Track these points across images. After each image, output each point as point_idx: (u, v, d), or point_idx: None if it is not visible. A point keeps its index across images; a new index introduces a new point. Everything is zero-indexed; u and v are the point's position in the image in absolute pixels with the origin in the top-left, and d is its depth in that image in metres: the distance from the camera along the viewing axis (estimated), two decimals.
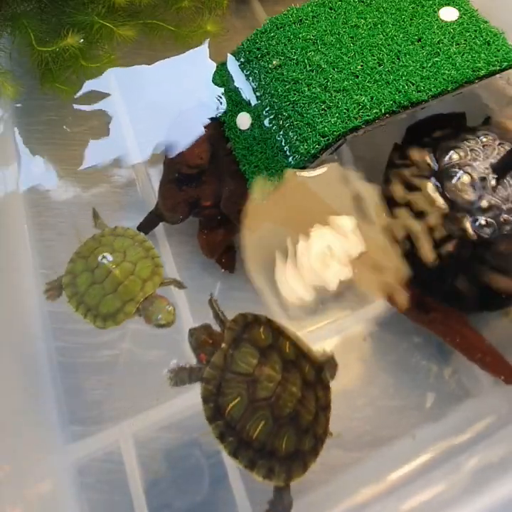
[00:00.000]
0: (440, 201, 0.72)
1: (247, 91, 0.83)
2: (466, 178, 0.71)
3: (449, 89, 0.74)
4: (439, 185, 0.73)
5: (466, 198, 0.71)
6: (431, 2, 0.82)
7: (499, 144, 0.74)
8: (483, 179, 0.71)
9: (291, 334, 0.66)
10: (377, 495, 0.68)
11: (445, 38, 0.78)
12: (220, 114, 0.85)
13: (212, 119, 0.86)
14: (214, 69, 0.88)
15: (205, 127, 0.85)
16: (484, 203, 0.69)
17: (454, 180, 0.72)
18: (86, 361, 0.79)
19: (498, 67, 0.75)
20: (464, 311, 0.75)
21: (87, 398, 0.77)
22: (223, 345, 0.63)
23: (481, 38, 0.77)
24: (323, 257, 0.74)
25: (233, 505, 0.69)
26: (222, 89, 0.86)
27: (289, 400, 0.60)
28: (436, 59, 0.76)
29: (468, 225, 0.70)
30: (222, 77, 0.87)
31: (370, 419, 0.74)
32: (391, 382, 0.72)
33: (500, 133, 0.76)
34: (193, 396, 0.75)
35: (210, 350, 0.64)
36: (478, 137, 0.75)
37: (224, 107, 0.85)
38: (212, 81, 0.87)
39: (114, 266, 0.72)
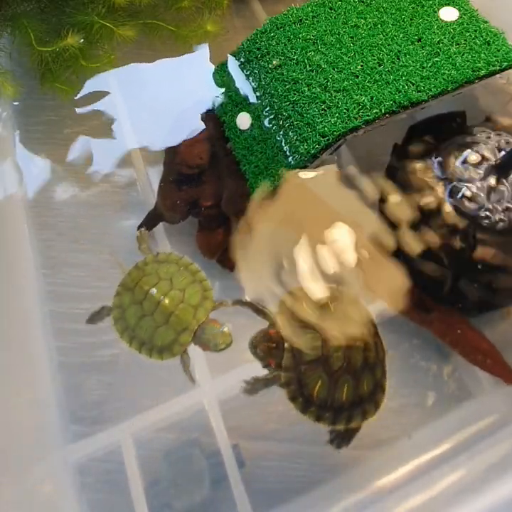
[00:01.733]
0: (441, 201, 0.72)
1: (247, 91, 0.83)
2: (466, 178, 0.71)
3: (449, 89, 0.74)
4: (439, 185, 0.73)
5: (469, 197, 0.71)
6: (431, 2, 0.82)
7: (499, 144, 0.74)
8: (486, 178, 0.71)
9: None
10: (377, 495, 0.68)
11: (445, 38, 0.78)
12: (220, 114, 0.85)
13: (212, 118, 0.86)
14: (214, 69, 0.89)
15: (205, 127, 0.85)
16: (488, 203, 0.70)
17: (454, 180, 0.72)
18: (86, 361, 0.79)
19: (498, 67, 0.75)
20: (464, 311, 0.75)
21: (87, 398, 0.77)
22: (286, 345, 0.65)
23: (481, 38, 0.77)
24: (322, 258, 0.74)
25: (233, 505, 0.69)
26: (222, 89, 0.86)
27: (356, 354, 0.66)
28: (436, 59, 0.76)
29: (470, 224, 0.70)
30: (222, 77, 0.87)
31: (370, 420, 0.74)
32: (391, 382, 0.72)
33: (501, 133, 0.76)
34: (192, 396, 0.75)
35: (276, 353, 0.65)
36: (479, 137, 0.75)
37: (224, 107, 0.85)
38: (214, 81, 0.87)
39: (162, 296, 0.69)
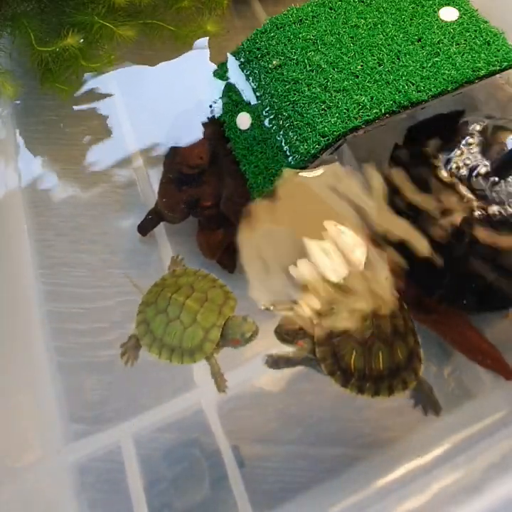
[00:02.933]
0: (442, 201, 0.72)
1: (247, 91, 0.83)
2: (467, 177, 0.71)
3: (449, 89, 0.74)
4: (439, 185, 0.73)
5: (469, 197, 0.71)
6: (431, 2, 0.82)
7: (499, 145, 0.74)
8: (485, 177, 0.71)
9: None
10: (377, 495, 0.68)
11: (445, 38, 0.78)
12: (220, 114, 0.85)
13: (212, 119, 0.86)
14: (214, 69, 0.89)
15: (205, 127, 0.85)
16: (488, 202, 0.70)
17: (454, 180, 0.72)
18: (86, 361, 0.79)
19: (498, 67, 0.75)
20: (465, 311, 0.75)
21: (87, 398, 0.77)
22: (315, 321, 0.66)
23: (481, 38, 0.77)
24: (322, 258, 0.74)
25: (233, 505, 0.69)
26: (221, 90, 0.86)
27: (384, 322, 0.68)
28: (436, 59, 0.76)
29: (471, 223, 0.70)
30: (222, 77, 0.87)
31: (370, 420, 0.74)
32: None
33: (500, 132, 0.76)
34: (192, 396, 0.75)
35: (303, 334, 0.67)
36: (478, 137, 0.75)
37: (224, 107, 0.85)
38: (215, 80, 0.87)
39: (185, 298, 0.69)
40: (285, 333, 0.67)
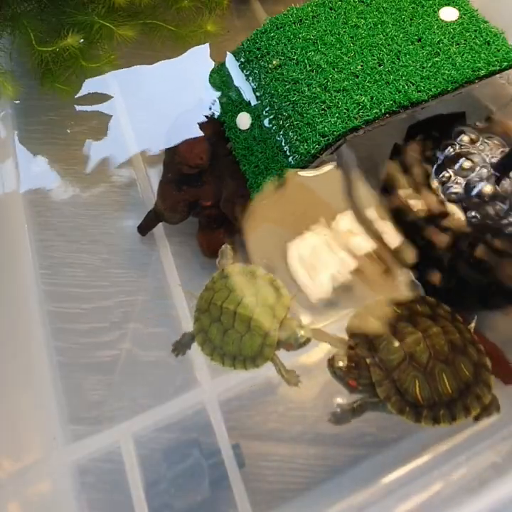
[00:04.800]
0: (442, 200, 0.72)
1: (247, 91, 0.83)
2: (467, 177, 0.71)
3: (449, 89, 0.74)
4: (439, 184, 0.73)
5: (469, 196, 0.71)
6: (431, 2, 0.82)
7: (499, 144, 0.74)
8: (485, 178, 0.71)
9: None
10: (377, 495, 0.68)
11: (445, 38, 0.78)
12: (219, 114, 0.85)
13: (212, 119, 0.86)
14: (211, 69, 0.88)
15: (205, 127, 0.85)
16: (487, 201, 0.70)
17: (455, 180, 0.72)
18: (86, 361, 0.79)
19: (498, 67, 0.75)
20: (466, 310, 0.75)
21: (87, 398, 0.77)
22: (368, 360, 0.64)
23: (481, 38, 0.77)
24: (322, 258, 0.74)
25: (233, 505, 0.69)
26: (221, 90, 0.86)
27: (438, 340, 0.65)
28: (436, 59, 0.76)
29: (471, 222, 0.70)
30: (221, 77, 0.87)
31: (370, 420, 0.74)
32: None
33: (500, 133, 0.76)
34: (192, 396, 0.75)
35: (356, 373, 0.64)
36: (478, 137, 0.75)
37: (223, 107, 0.85)
38: (209, 81, 0.87)
39: (236, 306, 0.68)
40: (338, 369, 0.65)
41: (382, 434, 0.73)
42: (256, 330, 0.67)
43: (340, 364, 0.64)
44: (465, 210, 0.71)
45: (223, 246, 0.76)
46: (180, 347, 0.75)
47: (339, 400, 0.67)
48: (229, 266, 0.74)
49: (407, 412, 0.62)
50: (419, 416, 0.62)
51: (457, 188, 0.71)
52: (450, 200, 0.72)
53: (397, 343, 0.64)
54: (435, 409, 0.63)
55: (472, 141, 0.74)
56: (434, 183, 0.73)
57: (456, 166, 0.73)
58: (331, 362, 0.65)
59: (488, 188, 0.70)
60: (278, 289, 0.70)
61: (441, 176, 0.73)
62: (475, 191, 0.70)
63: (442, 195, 0.72)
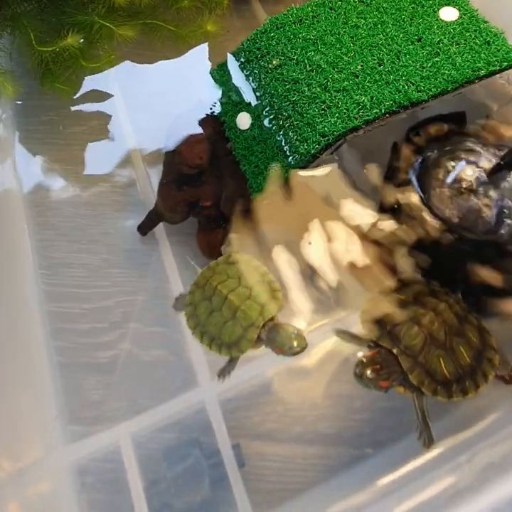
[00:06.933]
0: (442, 201, 0.72)
1: (247, 91, 0.83)
2: (467, 178, 0.71)
3: (449, 89, 0.74)
4: (439, 185, 0.73)
5: (468, 196, 0.71)
6: (431, 2, 0.82)
7: (498, 145, 0.74)
8: (485, 179, 0.71)
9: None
10: (377, 495, 0.68)
11: (445, 38, 0.78)
12: (220, 114, 0.85)
13: (212, 119, 0.86)
14: (211, 69, 0.88)
15: (205, 127, 0.85)
16: (486, 202, 0.70)
17: (455, 180, 0.72)
18: (86, 361, 0.79)
19: (498, 67, 0.75)
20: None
21: (86, 398, 0.77)
22: (394, 350, 0.65)
23: (481, 38, 0.77)
24: (322, 258, 0.74)
25: (233, 505, 0.69)
26: (221, 89, 0.86)
27: (447, 315, 0.67)
28: (436, 59, 0.76)
29: (470, 223, 0.70)
30: (221, 77, 0.87)
31: (370, 420, 0.74)
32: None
33: (498, 135, 0.76)
34: (192, 396, 0.75)
35: (384, 374, 0.64)
36: (477, 138, 0.75)
37: (223, 107, 0.85)
38: (212, 76, 0.87)
39: (229, 291, 0.69)
40: (366, 376, 0.63)
41: (381, 434, 0.73)
42: (240, 320, 0.67)
43: (369, 372, 0.63)
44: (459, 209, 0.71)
45: (231, 234, 0.77)
46: (180, 306, 0.76)
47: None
48: (237, 254, 0.75)
49: (439, 391, 0.64)
50: (450, 392, 0.64)
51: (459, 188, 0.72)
52: (451, 200, 0.72)
53: (415, 327, 0.66)
54: (461, 381, 0.65)
55: (472, 148, 0.74)
56: (436, 182, 0.73)
57: (457, 167, 0.73)
58: (360, 370, 0.64)
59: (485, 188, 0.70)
60: (274, 291, 0.70)
61: (441, 173, 0.73)
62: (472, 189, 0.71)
63: (443, 194, 0.72)
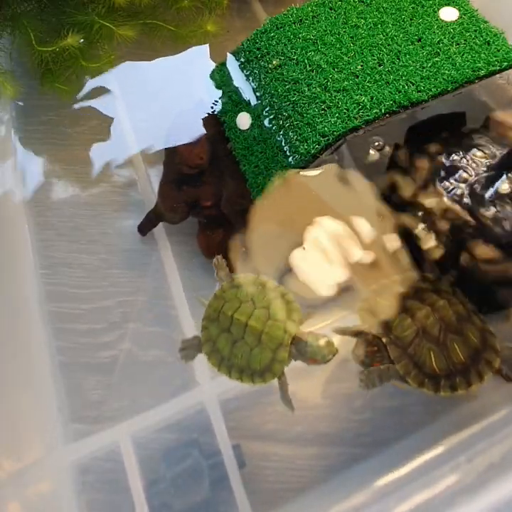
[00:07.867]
0: (442, 200, 0.72)
1: (247, 91, 0.83)
2: (467, 178, 0.72)
3: (449, 89, 0.74)
4: (439, 185, 0.73)
5: (468, 197, 0.71)
6: (431, 2, 0.82)
7: (497, 146, 0.74)
8: (485, 180, 0.71)
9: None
10: (377, 495, 0.68)
11: (445, 38, 0.78)
12: (220, 114, 0.85)
13: (212, 119, 0.86)
14: (212, 69, 0.88)
15: (205, 127, 0.85)
16: (486, 202, 0.70)
17: (455, 180, 0.72)
18: (86, 361, 0.79)
19: (498, 67, 0.75)
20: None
21: (87, 398, 0.77)
22: (384, 339, 0.66)
23: (481, 38, 0.77)
24: (322, 258, 0.74)
25: (233, 505, 0.69)
26: (221, 89, 0.86)
27: (446, 312, 0.67)
28: (436, 59, 0.76)
29: (470, 222, 0.70)
30: (221, 77, 0.87)
31: (370, 420, 0.74)
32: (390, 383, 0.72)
33: (499, 135, 0.76)
34: (192, 396, 0.75)
35: (379, 356, 0.66)
36: (477, 138, 0.75)
37: (223, 107, 0.85)
38: (211, 79, 0.87)
39: (248, 317, 0.66)
40: (363, 357, 0.66)
41: (381, 434, 0.73)
42: (267, 344, 0.65)
43: (361, 351, 0.66)
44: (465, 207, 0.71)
45: (214, 259, 0.75)
46: (190, 352, 0.73)
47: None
48: (240, 275, 0.73)
49: (426, 383, 0.65)
50: (438, 386, 0.65)
51: (460, 189, 0.72)
52: (453, 200, 0.72)
53: (409, 320, 0.67)
54: (452, 377, 0.65)
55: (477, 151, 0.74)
56: (437, 184, 0.73)
57: (459, 170, 0.73)
58: (357, 351, 0.67)
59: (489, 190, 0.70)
60: (289, 303, 0.68)
61: (444, 175, 0.73)
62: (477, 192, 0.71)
63: (445, 195, 0.72)
